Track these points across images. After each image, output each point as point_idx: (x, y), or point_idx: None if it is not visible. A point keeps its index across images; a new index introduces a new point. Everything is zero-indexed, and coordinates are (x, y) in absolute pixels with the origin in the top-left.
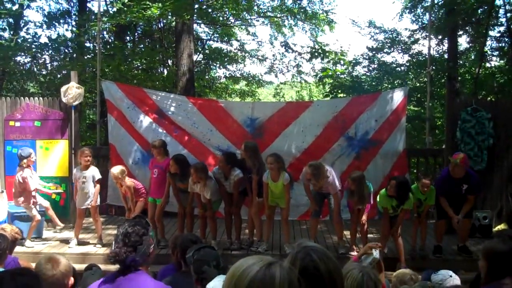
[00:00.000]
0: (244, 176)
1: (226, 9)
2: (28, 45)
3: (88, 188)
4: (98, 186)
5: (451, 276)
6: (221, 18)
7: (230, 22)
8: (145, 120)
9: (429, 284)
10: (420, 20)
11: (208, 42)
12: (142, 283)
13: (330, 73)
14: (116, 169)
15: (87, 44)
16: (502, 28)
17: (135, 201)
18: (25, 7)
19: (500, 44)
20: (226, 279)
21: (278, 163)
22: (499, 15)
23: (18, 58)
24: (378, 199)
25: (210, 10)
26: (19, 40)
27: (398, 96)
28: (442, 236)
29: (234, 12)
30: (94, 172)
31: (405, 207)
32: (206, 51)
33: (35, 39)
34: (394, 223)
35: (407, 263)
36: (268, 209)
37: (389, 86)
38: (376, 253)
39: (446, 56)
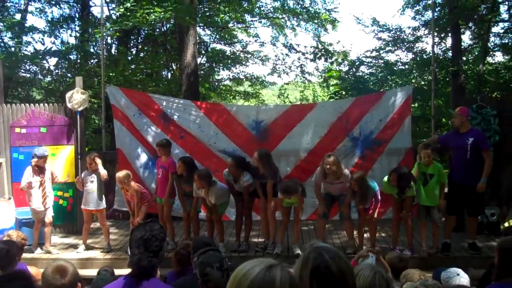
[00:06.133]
0: (254, 182)
1: (228, 13)
2: (34, 55)
3: (94, 188)
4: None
5: (458, 274)
6: (223, 21)
7: (233, 25)
8: (151, 126)
9: (433, 282)
10: (421, 16)
11: (211, 44)
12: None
13: (334, 74)
14: (121, 173)
15: (91, 50)
16: (505, 24)
17: (140, 206)
18: (27, 13)
19: (503, 41)
20: (229, 281)
21: (289, 194)
22: (501, 11)
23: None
24: (383, 185)
25: (211, 13)
26: (24, 50)
27: (402, 95)
28: (451, 232)
29: (237, 14)
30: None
31: (409, 195)
32: (209, 53)
33: (41, 49)
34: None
35: (415, 262)
36: (283, 212)
37: (393, 85)
38: (371, 259)
39: (450, 53)
